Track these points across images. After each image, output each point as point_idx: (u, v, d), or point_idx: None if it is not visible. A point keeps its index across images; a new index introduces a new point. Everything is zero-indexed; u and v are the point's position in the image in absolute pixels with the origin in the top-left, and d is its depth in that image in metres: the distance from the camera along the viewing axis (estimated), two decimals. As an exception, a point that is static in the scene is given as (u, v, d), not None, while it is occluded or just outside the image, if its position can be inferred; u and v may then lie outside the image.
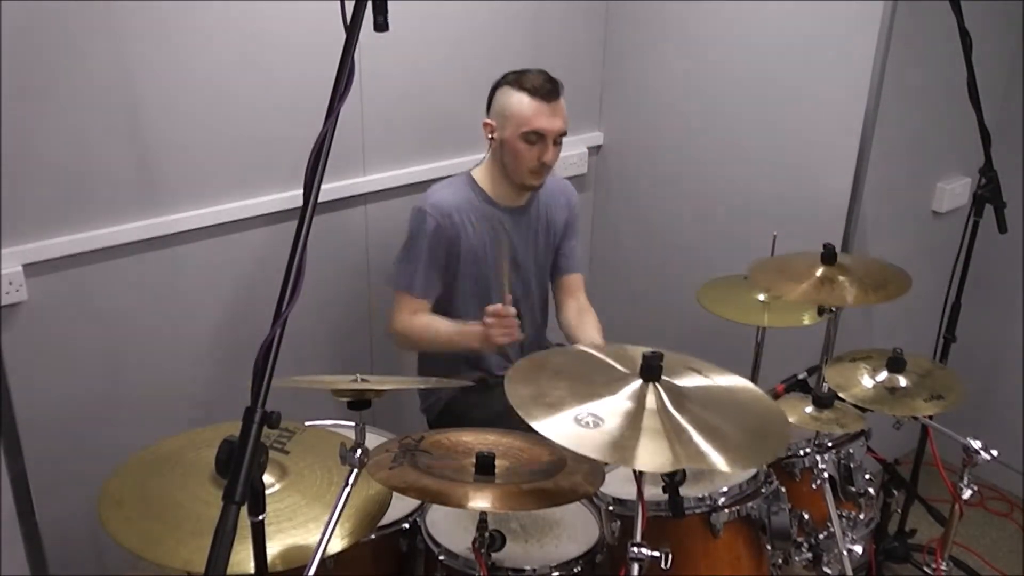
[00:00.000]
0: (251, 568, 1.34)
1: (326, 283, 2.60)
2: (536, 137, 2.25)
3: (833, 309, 2.30)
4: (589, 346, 2.19)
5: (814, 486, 1.99)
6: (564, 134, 2.30)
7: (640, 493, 1.52)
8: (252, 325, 2.42)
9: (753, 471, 1.94)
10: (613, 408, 1.50)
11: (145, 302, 2.30)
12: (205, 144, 2.28)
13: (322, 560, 1.43)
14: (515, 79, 2.26)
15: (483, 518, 1.66)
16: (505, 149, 2.29)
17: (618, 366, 1.64)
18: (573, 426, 1.45)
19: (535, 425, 1.45)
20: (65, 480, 2.21)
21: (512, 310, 2.16)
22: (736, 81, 2.74)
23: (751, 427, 1.56)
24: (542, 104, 2.23)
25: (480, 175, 2.38)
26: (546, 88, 2.24)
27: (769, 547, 1.93)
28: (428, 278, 2.32)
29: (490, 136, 2.31)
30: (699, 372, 1.68)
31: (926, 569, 2.66)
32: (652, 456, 1.41)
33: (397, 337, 2.39)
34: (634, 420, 1.47)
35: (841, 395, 2.00)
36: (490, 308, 2.16)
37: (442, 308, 2.40)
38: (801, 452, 2.11)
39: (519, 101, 2.24)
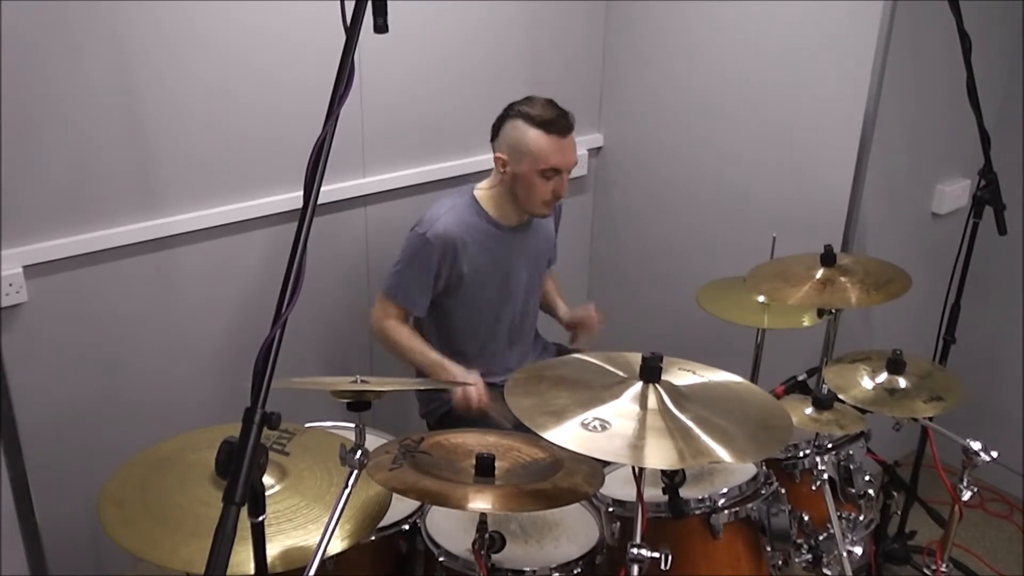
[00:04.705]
0: (251, 569, 1.34)
1: (326, 284, 2.60)
2: (553, 173, 2.26)
3: (833, 311, 2.30)
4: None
5: (814, 487, 1.98)
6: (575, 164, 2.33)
7: (640, 494, 1.53)
8: (252, 326, 2.42)
9: (753, 472, 1.95)
10: (617, 411, 1.53)
11: (145, 304, 2.30)
12: (205, 146, 2.28)
13: (322, 561, 1.43)
14: (526, 113, 2.24)
15: (483, 519, 1.66)
16: (519, 182, 2.28)
17: (615, 370, 1.68)
18: (581, 432, 1.48)
19: (544, 435, 1.48)
20: (65, 480, 2.21)
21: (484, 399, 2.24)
22: (736, 82, 2.74)
23: (753, 419, 1.59)
24: (558, 140, 2.24)
25: (484, 197, 2.37)
26: (561, 124, 2.23)
27: (769, 548, 1.93)
28: (415, 295, 2.33)
29: (502, 170, 2.30)
30: (692, 371, 1.71)
31: (926, 571, 2.66)
32: (661, 454, 1.44)
33: (377, 335, 2.41)
34: (639, 421, 1.50)
35: (841, 396, 2.00)
36: (471, 383, 2.24)
37: (440, 324, 2.43)
38: (801, 453, 2.11)
39: (536, 139, 2.22)
